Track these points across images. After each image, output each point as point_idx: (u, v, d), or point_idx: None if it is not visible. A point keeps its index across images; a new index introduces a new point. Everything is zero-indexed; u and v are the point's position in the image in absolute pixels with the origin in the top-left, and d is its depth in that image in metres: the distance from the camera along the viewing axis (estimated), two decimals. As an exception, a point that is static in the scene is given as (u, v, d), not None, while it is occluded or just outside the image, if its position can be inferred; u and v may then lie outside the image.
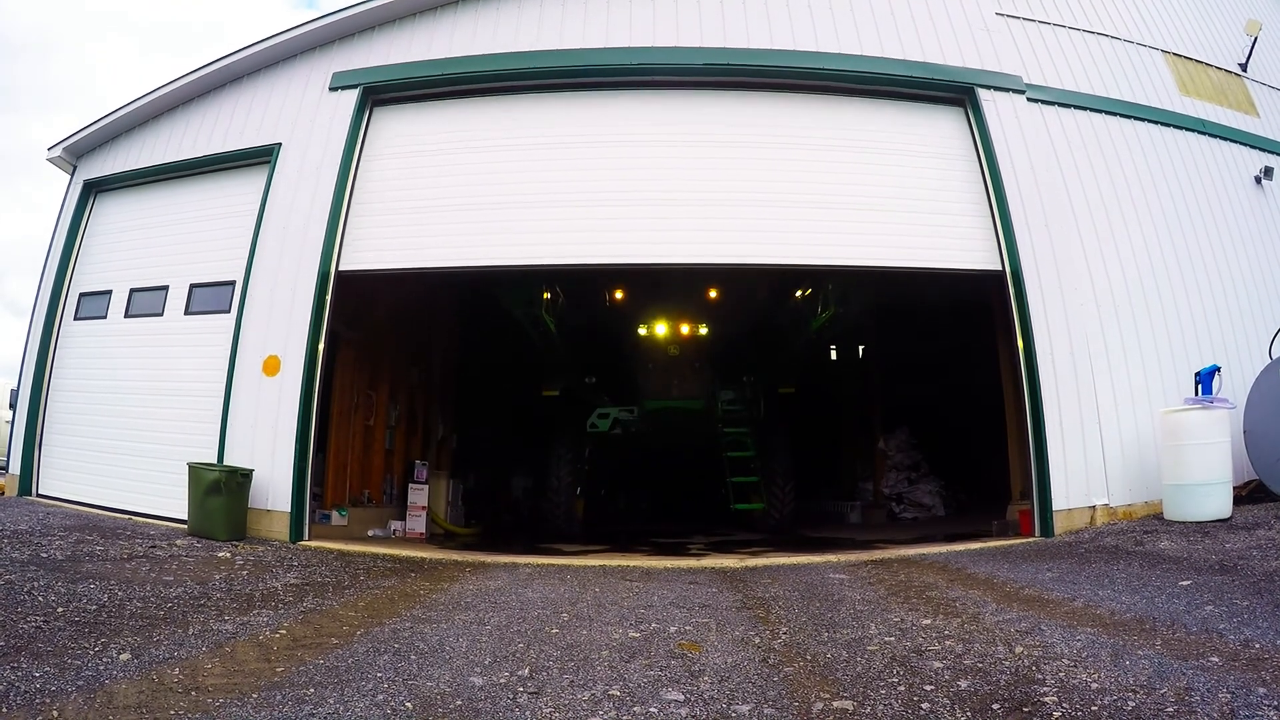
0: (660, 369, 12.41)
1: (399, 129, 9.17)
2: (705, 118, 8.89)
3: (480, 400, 15.83)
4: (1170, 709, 2.62)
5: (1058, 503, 7.78)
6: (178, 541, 6.98)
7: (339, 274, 8.52)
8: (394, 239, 8.67)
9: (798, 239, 8.51)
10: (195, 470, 7.59)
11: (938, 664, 3.36)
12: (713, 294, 12.95)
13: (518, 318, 10.26)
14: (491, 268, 8.86)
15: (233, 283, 8.87)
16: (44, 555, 5.61)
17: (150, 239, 9.77)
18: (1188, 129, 9.68)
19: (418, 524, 10.79)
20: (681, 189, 8.56)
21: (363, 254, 8.64)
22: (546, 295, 10.31)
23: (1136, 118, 9.41)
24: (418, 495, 11.01)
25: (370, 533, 10.10)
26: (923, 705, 2.83)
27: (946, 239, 8.63)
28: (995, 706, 2.78)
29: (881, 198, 8.62)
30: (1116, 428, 8.11)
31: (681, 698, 3.01)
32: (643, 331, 12.60)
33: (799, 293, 11.67)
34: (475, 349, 15.20)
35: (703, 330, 12.62)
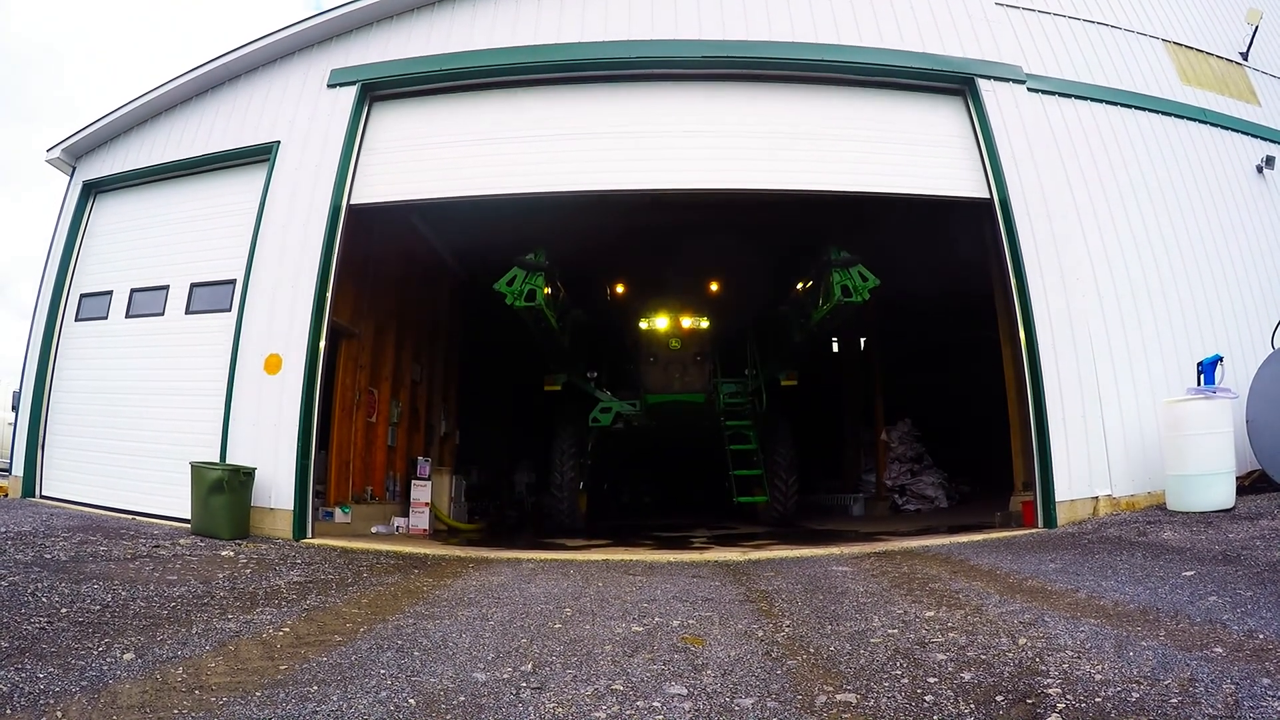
0: (662, 362, 12.38)
1: (397, 125, 9.15)
2: (705, 108, 8.87)
3: (482, 396, 15.85)
4: (1174, 700, 2.62)
5: (1060, 493, 7.76)
6: (181, 541, 6.99)
7: (350, 213, 8.66)
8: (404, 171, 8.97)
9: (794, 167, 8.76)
10: (198, 469, 7.59)
11: (941, 656, 3.35)
12: (714, 286, 12.94)
13: (519, 313, 10.23)
14: (491, 195, 8.94)
15: (233, 281, 8.86)
16: (48, 556, 5.62)
17: (150, 239, 9.76)
18: (1189, 118, 9.63)
19: (421, 520, 10.80)
20: (685, 161, 8.73)
21: (372, 188, 8.83)
22: (547, 290, 10.27)
23: (1137, 107, 9.37)
24: (420, 492, 11.02)
25: (373, 529, 10.11)
26: (926, 697, 2.83)
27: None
28: (999, 698, 2.77)
29: (883, 176, 8.68)
30: (1119, 418, 8.09)
31: (685, 691, 3.01)
32: (644, 325, 12.57)
33: (800, 285, 11.64)
34: (477, 345, 15.21)
35: (704, 323, 12.58)
